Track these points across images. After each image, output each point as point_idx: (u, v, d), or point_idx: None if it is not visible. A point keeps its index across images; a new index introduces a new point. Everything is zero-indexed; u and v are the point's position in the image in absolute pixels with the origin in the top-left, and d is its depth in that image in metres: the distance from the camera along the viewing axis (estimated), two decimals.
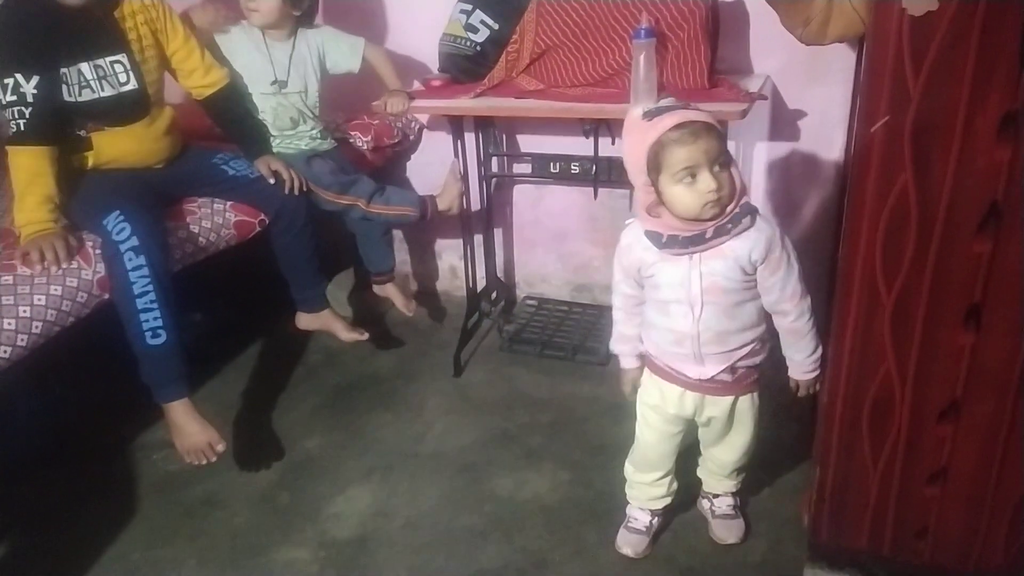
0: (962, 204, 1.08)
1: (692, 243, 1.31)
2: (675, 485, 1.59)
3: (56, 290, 1.65)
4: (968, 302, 1.13)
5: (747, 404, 1.48)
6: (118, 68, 1.84)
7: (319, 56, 2.19)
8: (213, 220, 1.97)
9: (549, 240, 2.61)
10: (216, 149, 2.09)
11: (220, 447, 1.76)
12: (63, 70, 1.77)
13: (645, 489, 1.59)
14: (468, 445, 1.99)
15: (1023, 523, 1.25)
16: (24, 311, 1.59)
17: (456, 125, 2.20)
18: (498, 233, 2.62)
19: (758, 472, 1.80)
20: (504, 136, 2.45)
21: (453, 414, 2.13)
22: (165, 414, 1.78)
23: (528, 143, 2.46)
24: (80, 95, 1.80)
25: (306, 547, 1.68)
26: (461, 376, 2.31)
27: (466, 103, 2.01)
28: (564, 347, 2.36)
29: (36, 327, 1.59)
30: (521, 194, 2.59)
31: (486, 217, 2.47)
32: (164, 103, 1.99)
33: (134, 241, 1.70)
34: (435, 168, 2.41)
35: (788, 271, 1.34)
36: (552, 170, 2.32)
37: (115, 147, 1.88)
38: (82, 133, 1.85)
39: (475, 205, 2.42)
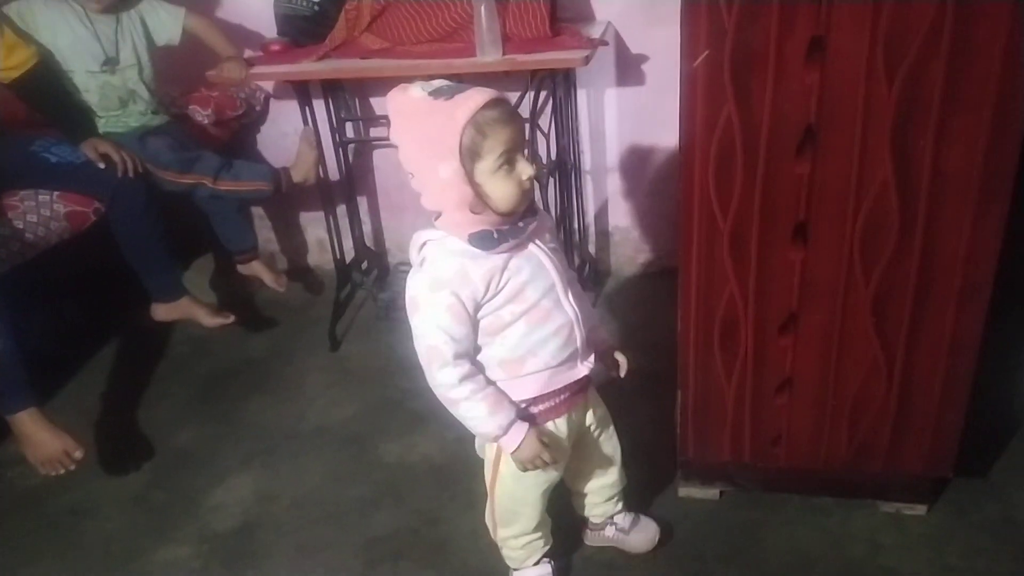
0: (781, 129, 1.15)
1: (515, 235, 1.11)
2: (550, 522, 1.41)
3: None
4: (795, 220, 1.21)
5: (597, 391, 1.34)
6: None
7: (143, 27, 2.05)
8: (40, 213, 1.82)
9: (417, 203, 2.55)
10: (34, 135, 1.91)
11: (78, 453, 1.64)
12: None
13: (523, 551, 1.39)
14: (352, 417, 1.97)
15: (860, 420, 1.37)
16: None
17: (302, 91, 2.12)
18: (362, 201, 2.56)
19: (634, 404, 1.88)
20: (356, 100, 2.38)
21: (334, 388, 2.10)
22: (12, 427, 1.65)
23: (383, 105, 2.40)
24: None
25: (187, 543, 1.61)
26: (339, 350, 2.27)
27: (308, 67, 1.94)
28: None
29: None
30: (382, 158, 2.54)
31: (347, 185, 2.41)
32: None
33: None
34: (290, 139, 2.32)
35: None
36: None
37: None
38: None
39: (334, 174, 2.35)
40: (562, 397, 1.22)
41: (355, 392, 2.07)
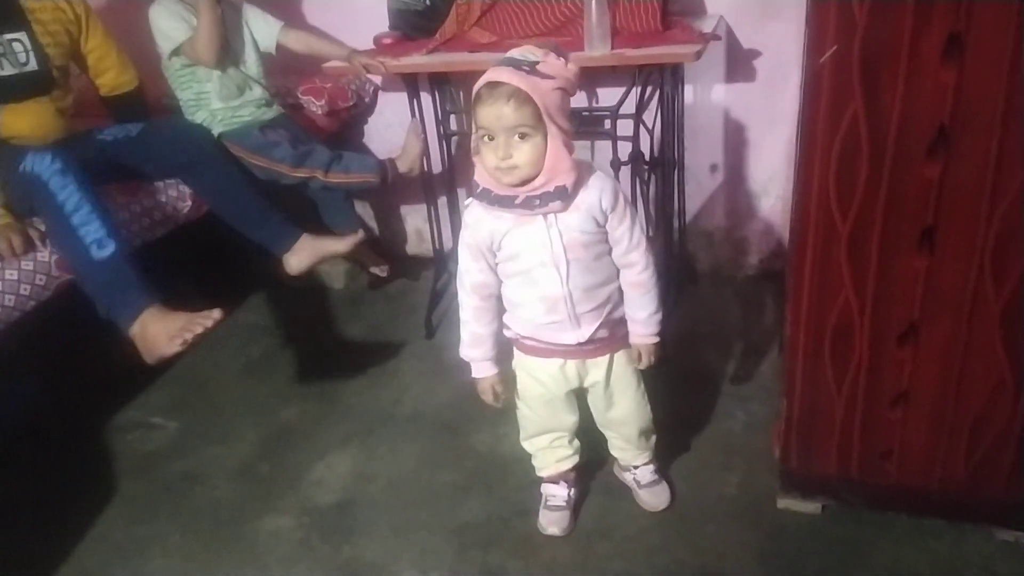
0: (911, 129, 1.10)
1: (504, 204, 1.25)
2: (578, 443, 1.56)
3: (12, 275, 1.62)
4: (921, 226, 1.15)
5: (624, 359, 1.44)
6: (17, 47, 1.80)
7: (248, 29, 2.16)
8: (168, 193, 1.93)
9: None
10: (89, 129, 2.03)
11: (216, 313, 1.57)
12: None
13: (548, 453, 1.55)
14: (445, 404, 2.00)
15: (981, 439, 1.29)
16: None
17: (411, 84, 2.16)
18: (462, 193, 2.59)
19: (730, 408, 1.84)
20: (461, 93, 2.41)
21: (428, 375, 2.14)
22: (138, 336, 1.58)
23: None
24: None
25: (289, 514, 1.68)
26: (434, 337, 2.31)
27: (419, 60, 1.98)
28: None
29: None
30: None
31: (448, 177, 2.45)
32: (70, 88, 1.96)
33: (57, 164, 1.66)
34: (395, 130, 2.37)
35: (633, 220, 1.32)
36: None
37: (19, 121, 1.83)
38: None
39: (436, 165, 2.39)
40: (548, 347, 1.40)
41: (449, 380, 2.10)
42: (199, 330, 1.55)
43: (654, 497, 1.58)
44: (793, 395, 1.36)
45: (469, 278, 1.36)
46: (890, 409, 1.31)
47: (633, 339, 1.42)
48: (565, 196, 1.23)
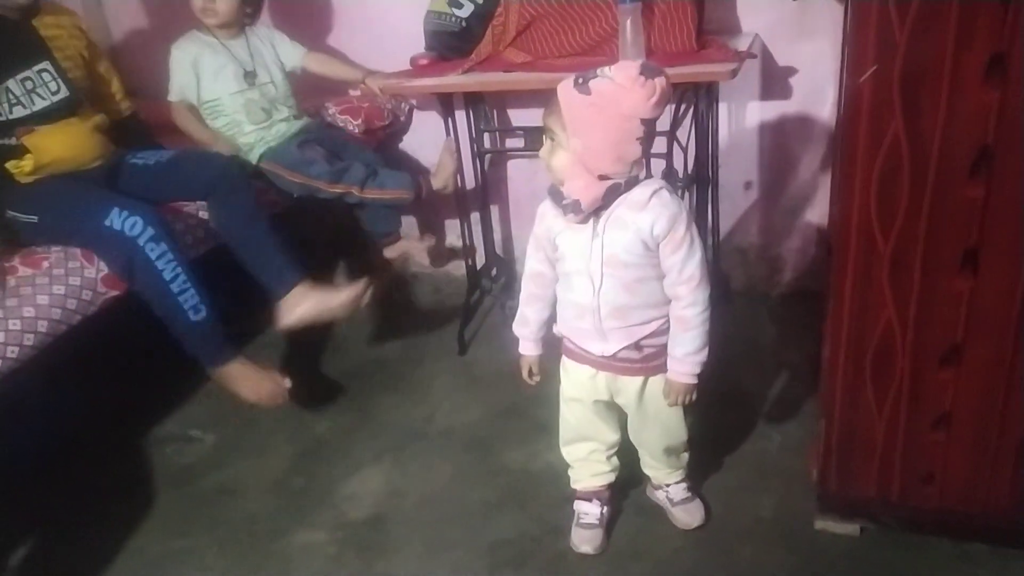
0: (954, 149, 1.09)
1: (558, 202, 1.29)
2: (616, 461, 1.56)
3: (59, 289, 1.66)
4: (964, 246, 1.14)
5: (659, 386, 1.41)
6: (46, 76, 1.83)
7: (273, 50, 2.23)
8: None
9: None
10: (121, 152, 2.05)
11: (287, 382, 1.89)
12: None
13: (586, 466, 1.56)
14: (477, 421, 2.01)
15: None
16: (28, 311, 1.60)
17: (446, 103, 2.19)
18: (495, 209, 2.61)
19: (765, 428, 1.83)
20: (495, 111, 2.44)
21: (460, 392, 2.15)
22: (223, 379, 1.85)
23: (520, 117, 2.45)
24: (12, 113, 1.79)
25: (323, 529, 1.70)
26: (466, 354, 2.32)
27: (454, 80, 2.00)
28: None
29: (42, 326, 1.61)
30: (515, 169, 2.58)
31: (482, 194, 2.46)
32: (92, 107, 1.99)
33: (150, 231, 1.71)
34: (428, 149, 2.40)
35: (689, 253, 1.28)
36: None
37: (53, 143, 1.85)
38: (11, 141, 1.81)
39: (470, 183, 2.41)
40: (580, 352, 1.43)
41: (481, 397, 2.11)
42: (280, 401, 1.89)
43: (687, 515, 1.57)
44: (832, 416, 1.35)
45: (529, 264, 1.44)
46: (932, 431, 1.29)
47: (668, 373, 1.38)
48: (578, 210, 1.26)
